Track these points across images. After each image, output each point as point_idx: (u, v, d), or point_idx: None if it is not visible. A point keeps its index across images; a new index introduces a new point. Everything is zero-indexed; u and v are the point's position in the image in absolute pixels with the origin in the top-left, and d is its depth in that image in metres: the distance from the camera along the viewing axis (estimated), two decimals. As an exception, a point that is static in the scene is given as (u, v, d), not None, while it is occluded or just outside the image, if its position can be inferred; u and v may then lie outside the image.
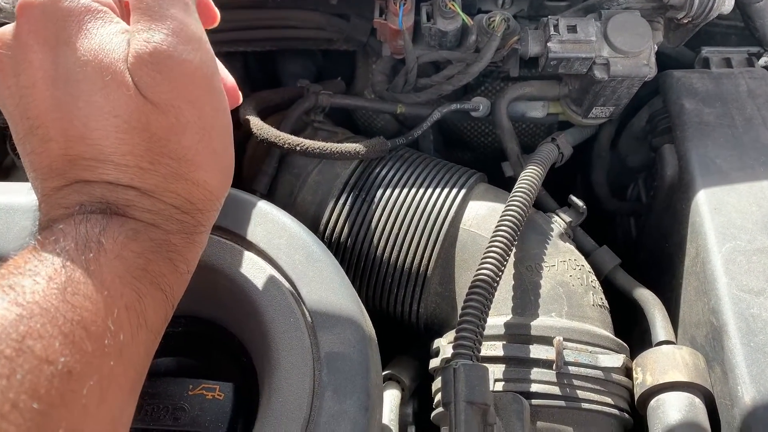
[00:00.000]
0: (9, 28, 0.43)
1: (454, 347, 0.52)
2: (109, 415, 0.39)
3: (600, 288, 0.67)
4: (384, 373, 0.68)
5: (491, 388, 0.56)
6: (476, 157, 1.12)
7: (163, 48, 0.42)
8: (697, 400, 0.58)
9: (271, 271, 0.57)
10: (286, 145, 0.67)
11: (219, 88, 0.47)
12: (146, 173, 0.43)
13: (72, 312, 0.37)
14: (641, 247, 0.88)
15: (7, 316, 0.35)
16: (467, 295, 0.55)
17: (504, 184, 0.82)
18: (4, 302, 0.35)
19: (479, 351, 0.52)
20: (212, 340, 0.62)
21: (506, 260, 0.58)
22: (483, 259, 0.58)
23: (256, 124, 0.69)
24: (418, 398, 0.72)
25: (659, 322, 0.66)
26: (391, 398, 0.66)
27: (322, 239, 0.71)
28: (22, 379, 0.33)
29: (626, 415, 0.61)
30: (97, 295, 0.38)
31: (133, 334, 0.41)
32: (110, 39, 0.43)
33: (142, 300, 0.42)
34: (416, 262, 0.66)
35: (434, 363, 0.65)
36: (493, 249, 0.58)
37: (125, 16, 0.47)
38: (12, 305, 0.35)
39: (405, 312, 0.68)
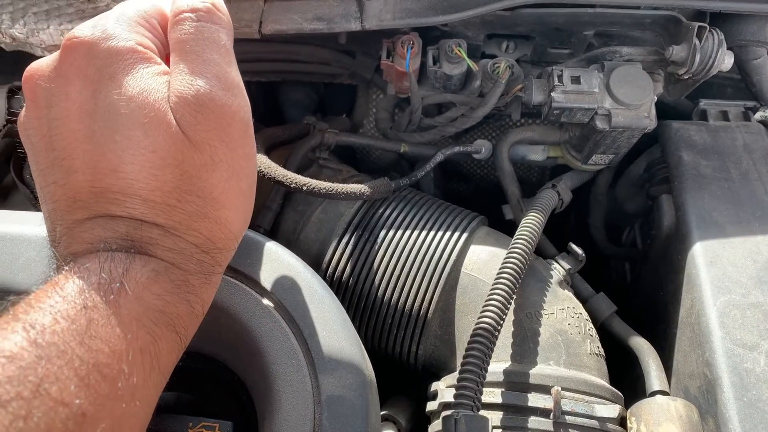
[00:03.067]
0: (49, 61, 0.45)
1: (455, 396, 0.53)
2: None
3: (597, 336, 0.68)
4: (380, 413, 0.68)
5: (489, 436, 0.57)
6: (474, 188, 1.13)
7: (206, 91, 0.44)
8: (691, 453, 0.59)
9: (274, 311, 0.58)
10: (293, 185, 0.68)
11: (252, 133, 0.48)
12: (172, 210, 0.45)
13: (89, 355, 0.37)
14: (636, 292, 0.89)
15: (26, 357, 0.35)
16: (469, 343, 0.56)
17: (502, 220, 0.83)
18: (24, 342, 0.36)
19: (480, 401, 0.53)
20: (213, 377, 0.63)
21: (508, 308, 0.59)
22: (485, 306, 0.59)
23: (264, 162, 0.70)
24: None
25: (654, 371, 0.67)
26: (388, 439, 0.67)
27: (324, 278, 0.71)
28: (38, 421, 0.34)
29: (620, 466, 0.61)
30: (115, 338, 0.39)
31: (145, 377, 0.41)
32: (154, 79, 0.44)
33: (157, 343, 0.42)
34: (417, 304, 0.67)
35: (431, 406, 0.65)
36: (495, 297, 0.59)
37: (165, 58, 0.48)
38: (31, 346, 0.36)
39: (404, 353, 0.69)
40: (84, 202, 0.45)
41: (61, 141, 0.44)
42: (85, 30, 0.45)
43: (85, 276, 0.40)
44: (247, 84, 0.99)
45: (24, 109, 0.47)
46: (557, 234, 0.83)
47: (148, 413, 0.43)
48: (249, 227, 0.62)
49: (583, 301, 0.73)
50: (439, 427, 0.59)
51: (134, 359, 0.40)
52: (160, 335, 0.43)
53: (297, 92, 1.03)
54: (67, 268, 0.41)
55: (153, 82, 0.44)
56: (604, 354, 0.67)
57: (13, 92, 0.83)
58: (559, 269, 0.69)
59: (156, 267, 0.44)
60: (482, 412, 0.53)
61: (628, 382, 0.75)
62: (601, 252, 0.94)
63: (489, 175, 1.10)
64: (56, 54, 0.45)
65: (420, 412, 0.71)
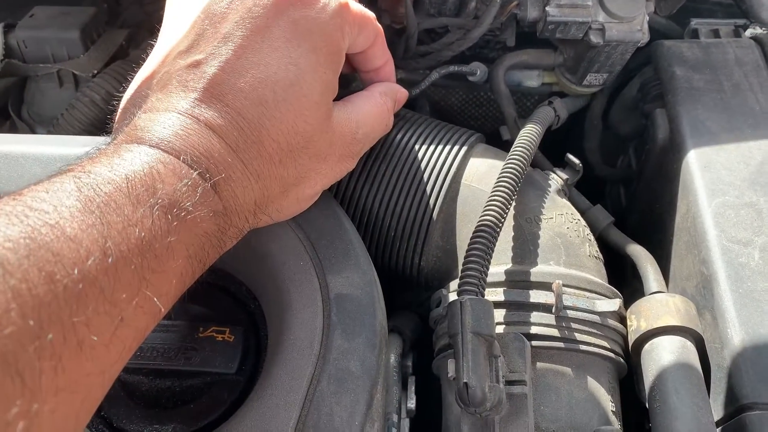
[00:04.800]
0: None
1: (460, 285, 0.54)
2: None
3: (594, 241, 0.69)
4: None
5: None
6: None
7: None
8: (689, 343, 0.61)
9: (280, 217, 0.59)
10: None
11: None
12: (268, 164, 0.51)
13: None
14: (632, 211, 0.91)
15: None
16: (471, 239, 0.57)
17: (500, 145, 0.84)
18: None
19: (484, 288, 0.54)
20: (220, 287, 0.64)
21: (507, 209, 0.60)
22: (485, 208, 0.60)
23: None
24: (417, 352, 0.73)
25: (651, 275, 0.69)
26: (393, 347, 0.68)
27: (327, 194, 0.72)
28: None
29: (621, 360, 0.63)
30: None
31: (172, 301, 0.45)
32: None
33: (183, 278, 0.45)
34: (419, 216, 0.68)
35: (436, 312, 0.66)
36: (495, 198, 0.60)
37: None
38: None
39: (407, 266, 0.70)
40: (211, 106, 0.47)
41: (242, 48, 0.49)
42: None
43: (167, 188, 0.42)
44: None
45: None
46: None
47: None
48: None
49: (581, 212, 0.74)
50: (445, 331, 0.61)
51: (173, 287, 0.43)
52: (190, 272, 0.46)
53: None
54: (153, 167, 0.42)
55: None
56: (602, 258, 0.69)
57: (10, 27, 0.82)
58: (556, 179, 0.71)
59: (215, 208, 0.46)
60: (489, 300, 0.54)
61: (627, 296, 0.76)
62: (596, 174, 0.95)
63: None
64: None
65: (424, 326, 0.72)
